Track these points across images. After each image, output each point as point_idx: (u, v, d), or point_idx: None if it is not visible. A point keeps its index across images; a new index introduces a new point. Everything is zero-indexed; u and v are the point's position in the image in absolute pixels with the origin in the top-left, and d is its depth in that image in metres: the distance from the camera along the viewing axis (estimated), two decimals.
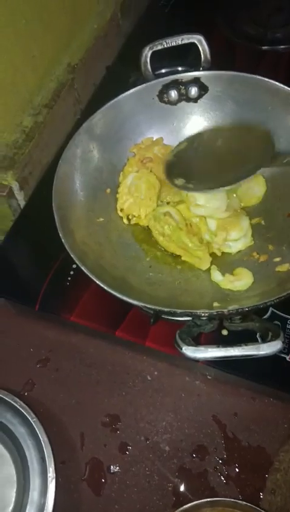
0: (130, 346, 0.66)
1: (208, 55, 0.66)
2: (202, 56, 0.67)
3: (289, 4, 0.99)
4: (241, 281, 0.58)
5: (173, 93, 0.68)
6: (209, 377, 0.65)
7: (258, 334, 0.58)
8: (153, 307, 0.50)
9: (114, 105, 0.65)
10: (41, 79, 0.78)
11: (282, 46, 0.95)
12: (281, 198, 0.64)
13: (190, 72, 0.67)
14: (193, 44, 0.68)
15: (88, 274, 0.52)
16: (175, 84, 0.67)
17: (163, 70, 0.72)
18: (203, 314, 0.49)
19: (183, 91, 0.68)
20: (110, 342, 0.67)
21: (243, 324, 0.52)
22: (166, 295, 0.58)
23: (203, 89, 0.68)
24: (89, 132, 0.64)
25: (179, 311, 0.49)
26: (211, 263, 0.61)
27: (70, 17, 0.82)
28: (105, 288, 0.51)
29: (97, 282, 0.52)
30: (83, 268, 0.53)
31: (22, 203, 0.76)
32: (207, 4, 1.02)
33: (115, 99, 0.65)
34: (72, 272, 0.68)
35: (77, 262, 0.53)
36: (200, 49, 0.66)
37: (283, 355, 0.60)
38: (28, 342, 0.69)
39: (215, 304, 0.54)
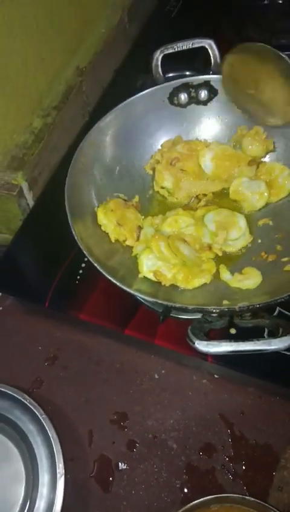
0: (138, 345, 0.67)
1: (218, 59, 0.67)
2: (212, 60, 0.68)
3: None
4: (249, 279, 0.59)
5: (183, 96, 0.69)
6: (216, 376, 0.65)
7: (266, 331, 0.59)
8: (165, 302, 0.50)
9: (127, 106, 0.66)
10: (51, 81, 0.79)
11: (287, 53, 0.96)
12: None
13: (200, 75, 0.69)
14: (200, 50, 0.69)
15: (97, 267, 0.53)
16: (186, 87, 0.68)
17: (171, 74, 0.73)
18: (214, 311, 0.50)
19: (193, 94, 0.69)
20: (118, 340, 0.68)
21: (254, 321, 0.52)
22: (176, 292, 0.59)
23: (213, 92, 0.69)
24: (102, 132, 0.65)
25: (190, 307, 0.50)
26: (220, 263, 0.62)
27: (80, 22, 0.83)
28: (115, 282, 0.52)
29: (107, 276, 0.52)
30: (91, 259, 0.53)
31: (31, 203, 0.77)
32: (213, 9, 1.03)
33: (128, 100, 0.66)
34: (81, 271, 0.69)
35: (87, 255, 0.54)
36: (211, 53, 0.68)
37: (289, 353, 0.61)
38: (37, 340, 0.69)
39: (225, 302, 0.55)
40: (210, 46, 0.67)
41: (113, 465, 0.61)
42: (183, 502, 0.57)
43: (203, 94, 0.69)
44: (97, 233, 0.61)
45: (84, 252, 0.53)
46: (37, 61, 0.74)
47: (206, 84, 0.68)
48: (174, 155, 0.68)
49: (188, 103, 0.70)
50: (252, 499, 0.54)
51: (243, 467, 0.60)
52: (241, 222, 0.63)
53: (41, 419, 0.59)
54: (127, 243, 0.63)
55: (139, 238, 0.63)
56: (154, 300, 0.51)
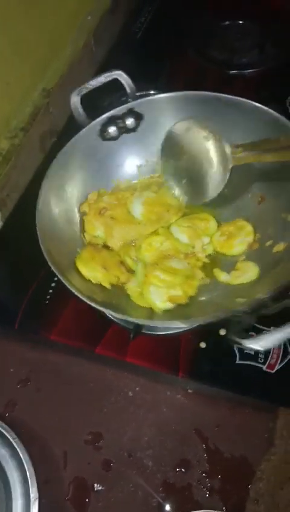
0: (111, 363, 0.67)
1: (132, 86, 0.68)
2: (127, 88, 0.68)
3: (254, 30, 1.04)
4: (248, 272, 0.59)
5: (112, 130, 0.69)
6: (189, 391, 0.65)
7: None
8: (189, 321, 0.51)
9: (63, 156, 0.65)
10: (17, 104, 0.80)
11: (248, 70, 0.99)
12: (249, 189, 0.67)
13: (122, 105, 0.69)
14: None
15: (75, 292, 0.53)
16: (112, 119, 0.69)
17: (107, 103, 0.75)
18: (242, 309, 0.50)
19: (121, 124, 0.69)
20: (90, 359, 0.68)
21: (279, 305, 0.51)
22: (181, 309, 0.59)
23: (138, 117, 0.69)
24: (51, 187, 0.64)
25: (224, 315, 0.50)
26: (211, 267, 0.63)
27: (46, 46, 0.84)
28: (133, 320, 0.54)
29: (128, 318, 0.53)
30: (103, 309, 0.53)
31: (0, 224, 0.77)
32: (177, 29, 1.06)
33: (61, 151, 0.65)
34: (51, 291, 0.69)
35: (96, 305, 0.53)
36: (124, 82, 0.68)
37: (259, 365, 0.62)
38: (8, 363, 0.68)
39: (239, 300, 0.54)
40: (120, 76, 0.67)
41: (89, 486, 0.60)
42: None
43: (130, 121, 0.69)
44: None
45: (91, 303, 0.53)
46: (2, 86, 0.75)
47: (131, 112, 0.69)
48: (102, 205, 0.67)
49: (119, 134, 0.70)
50: None
51: (219, 481, 0.59)
52: (212, 224, 0.65)
53: (13, 443, 0.58)
54: (122, 280, 0.63)
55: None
56: (185, 325, 0.51)
